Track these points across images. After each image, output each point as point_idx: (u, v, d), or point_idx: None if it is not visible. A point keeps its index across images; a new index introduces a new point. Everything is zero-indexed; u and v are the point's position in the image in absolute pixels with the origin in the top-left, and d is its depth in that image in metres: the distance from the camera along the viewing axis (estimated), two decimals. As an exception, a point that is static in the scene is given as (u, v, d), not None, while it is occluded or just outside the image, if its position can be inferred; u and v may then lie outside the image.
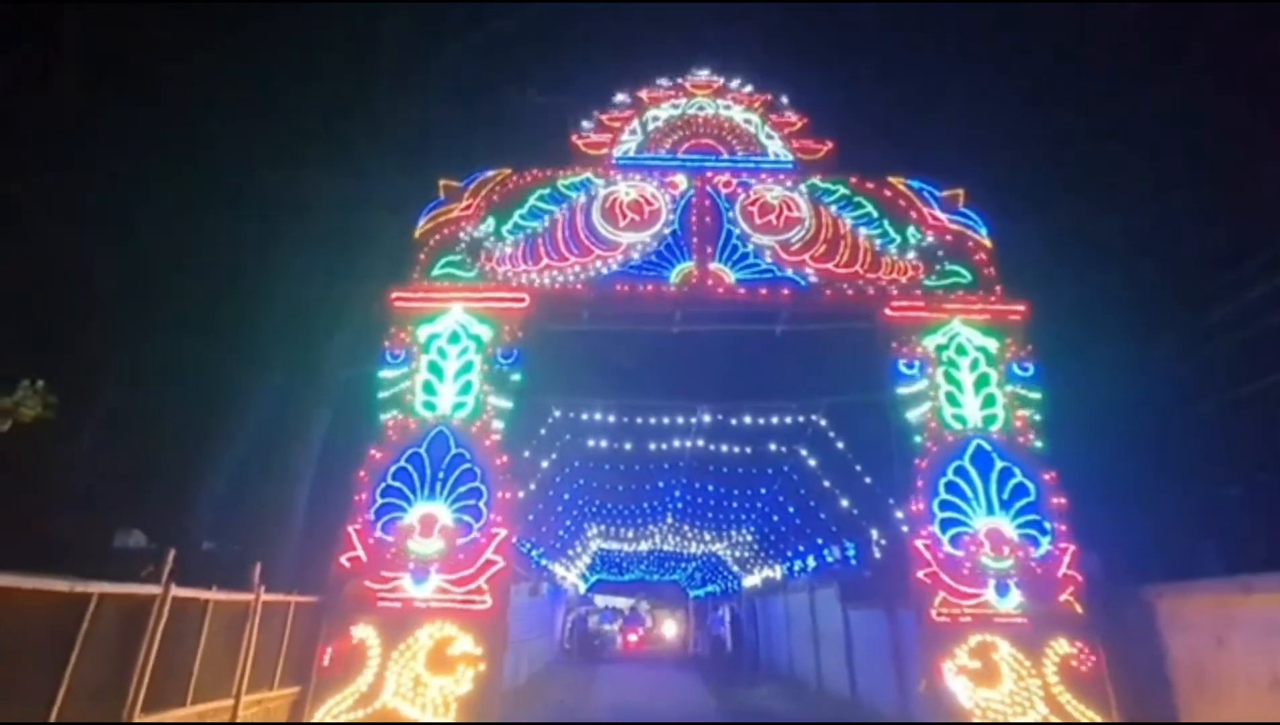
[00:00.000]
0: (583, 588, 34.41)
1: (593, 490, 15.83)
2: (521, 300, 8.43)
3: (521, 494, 10.99)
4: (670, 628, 40.20)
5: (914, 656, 9.96)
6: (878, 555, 12.20)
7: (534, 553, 16.07)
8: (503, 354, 8.16)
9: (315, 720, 6.48)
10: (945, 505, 7.52)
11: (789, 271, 8.68)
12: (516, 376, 8.09)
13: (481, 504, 7.44)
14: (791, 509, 15.87)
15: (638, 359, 9.79)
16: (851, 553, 13.75)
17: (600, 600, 40.97)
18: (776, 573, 20.70)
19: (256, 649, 5.99)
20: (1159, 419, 8.93)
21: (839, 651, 14.62)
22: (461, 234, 8.82)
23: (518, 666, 14.78)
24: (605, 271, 8.66)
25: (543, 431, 10.54)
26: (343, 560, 7.14)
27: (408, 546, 7.20)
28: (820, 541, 15.53)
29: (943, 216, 9.06)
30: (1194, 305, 9.05)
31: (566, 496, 15.47)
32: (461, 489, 7.50)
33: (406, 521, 7.31)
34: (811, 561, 16.69)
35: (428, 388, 7.97)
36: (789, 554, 18.69)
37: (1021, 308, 8.42)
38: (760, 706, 14.56)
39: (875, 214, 9.06)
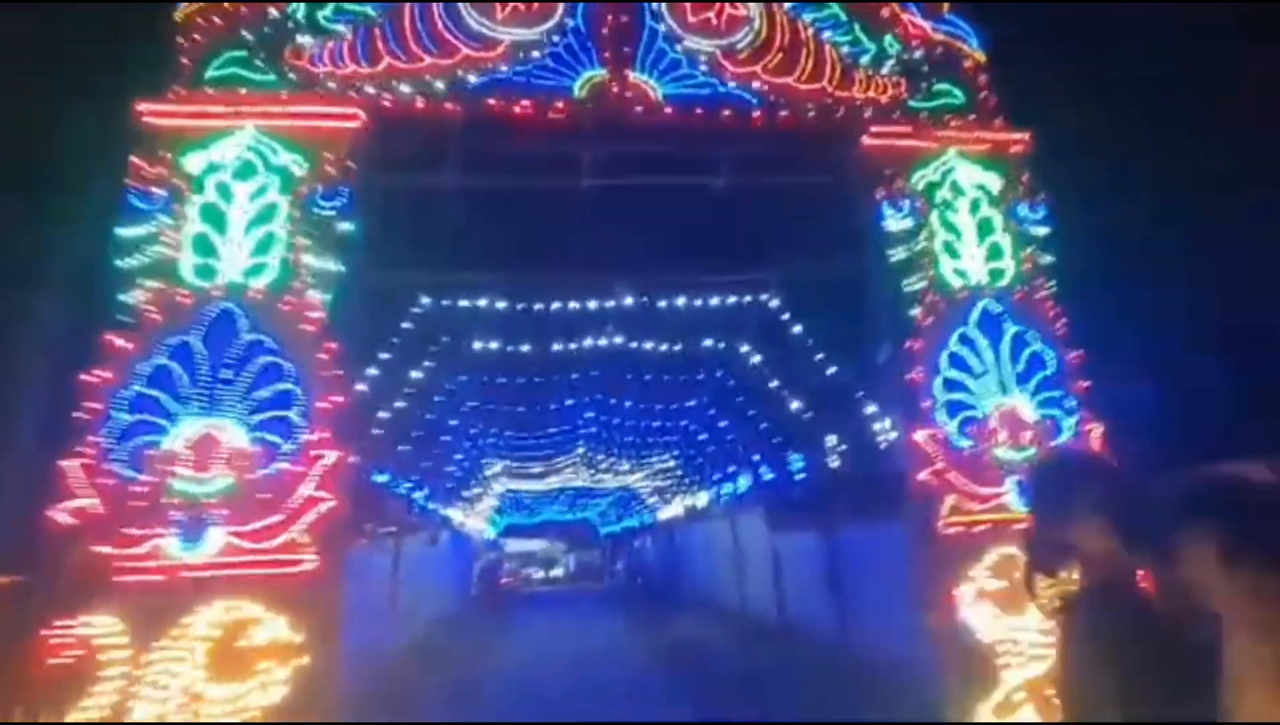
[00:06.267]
0: (491, 533, 32.27)
1: (487, 415, 13.26)
2: (352, 117, 5.64)
3: (383, 414, 8.41)
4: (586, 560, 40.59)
5: (879, 578, 8.59)
6: (835, 464, 10.65)
7: (416, 494, 13.47)
8: (323, 195, 5.41)
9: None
10: (951, 385, 5.72)
11: (732, 86, 6.37)
12: (346, 226, 5.40)
13: (294, 414, 4.84)
14: (724, 424, 14.10)
15: (535, 220, 7.23)
16: (799, 466, 12.19)
17: (513, 546, 39.70)
18: (701, 500, 19.26)
19: None
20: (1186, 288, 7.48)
21: (765, 578, 13.82)
22: (252, 20, 5.80)
23: (411, 624, 12.62)
24: (478, 79, 5.98)
25: (408, 326, 7.86)
26: (59, 515, 4.40)
27: (170, 485, 4.53)
28: (757, 458, 13.94)
29: (925, 24, 6.98)
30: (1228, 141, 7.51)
31: (454, 423, 12.86)
32: (263, 393, 4.86)
33: (168, 446, 4.61)
34: (744, 482, 15.16)
35: (201, 244, 5.13)
36: (716, 478, 17.13)
37: (1023, 137, 6.62)
38: (688, 638, 13.45)
39: (843, 16, 6.84)
